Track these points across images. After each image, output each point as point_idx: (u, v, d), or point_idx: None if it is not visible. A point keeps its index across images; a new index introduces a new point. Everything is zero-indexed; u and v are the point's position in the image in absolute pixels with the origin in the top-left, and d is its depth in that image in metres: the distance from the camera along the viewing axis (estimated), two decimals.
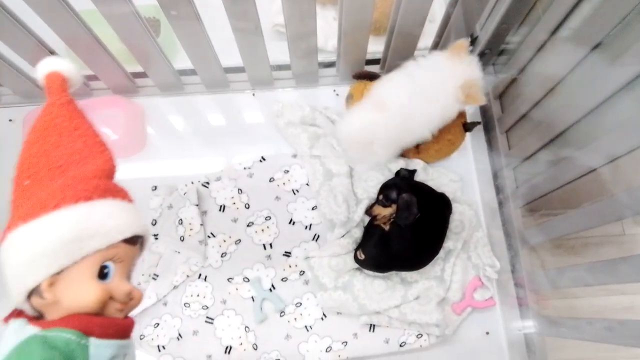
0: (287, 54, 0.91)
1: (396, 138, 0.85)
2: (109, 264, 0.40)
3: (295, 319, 0.85)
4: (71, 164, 0.44)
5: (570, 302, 0.88)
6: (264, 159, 0.94)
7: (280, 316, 0.85)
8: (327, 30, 1.03)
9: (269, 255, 0.88)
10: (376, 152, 0.86)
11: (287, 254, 0.88)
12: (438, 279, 0.86)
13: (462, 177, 0.93)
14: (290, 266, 0.88)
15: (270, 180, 0.92)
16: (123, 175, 0.96)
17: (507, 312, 0.87)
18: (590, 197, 0.75)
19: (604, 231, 0.95)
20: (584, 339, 0.73)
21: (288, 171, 0.93)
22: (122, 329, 0.41)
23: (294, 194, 0.92)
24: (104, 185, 0.43)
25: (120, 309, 0.41)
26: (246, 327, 0.85)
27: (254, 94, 1.00)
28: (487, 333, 0.87)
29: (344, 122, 0.88)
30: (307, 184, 0.92)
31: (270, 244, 0.89)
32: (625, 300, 0.97)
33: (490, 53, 0.96)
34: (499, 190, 0.93)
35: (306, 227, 0.90)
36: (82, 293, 0.38)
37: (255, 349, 0.84)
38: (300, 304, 0.86)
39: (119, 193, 0.44)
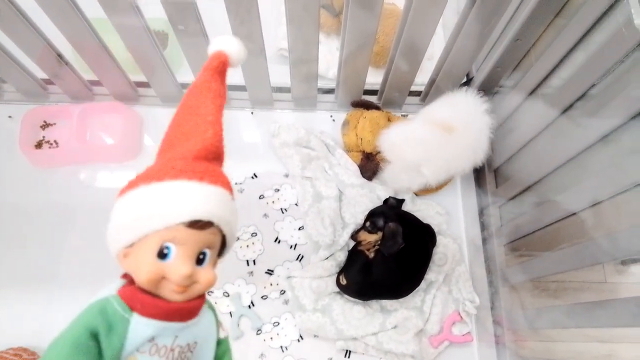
0: (289, 77, 0.94)
1: (448, 162, 0.84)
2: (170, 244, 0.39)
3: (271, 338, 0.84)
4: (180, 141, 0.44)
5: (547, 345, 0.87)
6: (255, 176, 0.95)
7: (257, 334, 0.85)
8: (329, 58, 1.06)
9: (252, 272, 0.88)
10: (422, 174, 0.85)
11: (270, 272, 0.88)
12: (417, 310, 0.86)
13: (448, 211, 0.95)
14: (271, 284, 0.88)
15: (260, 198, 0.93)
16: (115, 182, 0.98)
17: (483, 349, 0.87)
18: (572, 240, 0.76)
19: (585, 277, 0.96)
20: None
21: (278, 190, 0.94)
22: (172, 311, 0.40)
23: (282, 212, 0.92)
24: (183, 166, 0.42)
25: (177, 291, 0.39)
26: None
27: (252, 113, 1.03)
28: None
29: (392, 133, 0.87)
30: (296, 204, 0.93)
31: (254, 261, 0.89)
32: (603, 349, 0.97)
33: (485, 94, 1.00)
34: (484, 227, 0.95)
35: (291, 247, 0.90)
36: (139, 268, 0.39)
37: None
38: (278, 323, 0.85)
39: (200, 175, 0.41)
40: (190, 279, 0.39)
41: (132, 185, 0.42)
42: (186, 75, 0.94)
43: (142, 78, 0.95)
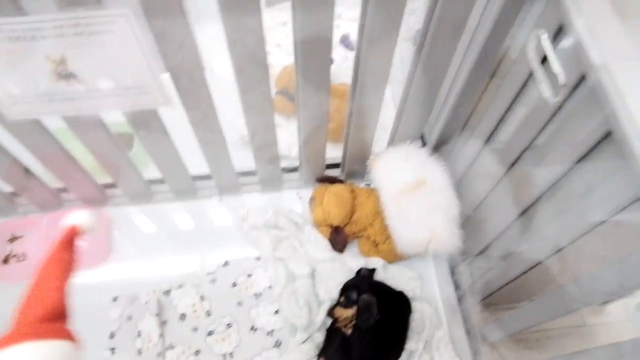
0: (253, 161, 0.98)
1: (452, 206, 0.87)
2: None
3: None
4: (29, 308, 0.50)
5: None
6: (227, 263, 0.95)
7: None
8: (290, 139, 1.11)
9: None
10: (440, 241, 0.86)
11: None
12: None
13: (420, 274, 0.95)
14: None
15: (233, 285, 0.93)
16: (86, 281, 0.96)
17: None
18: (542, 290, 0.77)
19: (564, 323, 0.96)
20: None
21: (251, 275, 0.94)
22: None
23: (257, 298, 0.92)
24: (28, 329, 0.47)
25: None
26: None
27: (220, 200, 1.05)
28: None
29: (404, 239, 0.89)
30: (269, 287, 0.93)
31: (231, 354, 0.86)
32: None
33: (439, 154, 1.05)
34: (457, 285, 0.95)
35: (268, 333, 0.88)
36: None
37: None
38: None
39: (43, 333, 0.47)
40: None
41: None
42: (154, 171, 0.97)
43: (109, 179, 0.97)
